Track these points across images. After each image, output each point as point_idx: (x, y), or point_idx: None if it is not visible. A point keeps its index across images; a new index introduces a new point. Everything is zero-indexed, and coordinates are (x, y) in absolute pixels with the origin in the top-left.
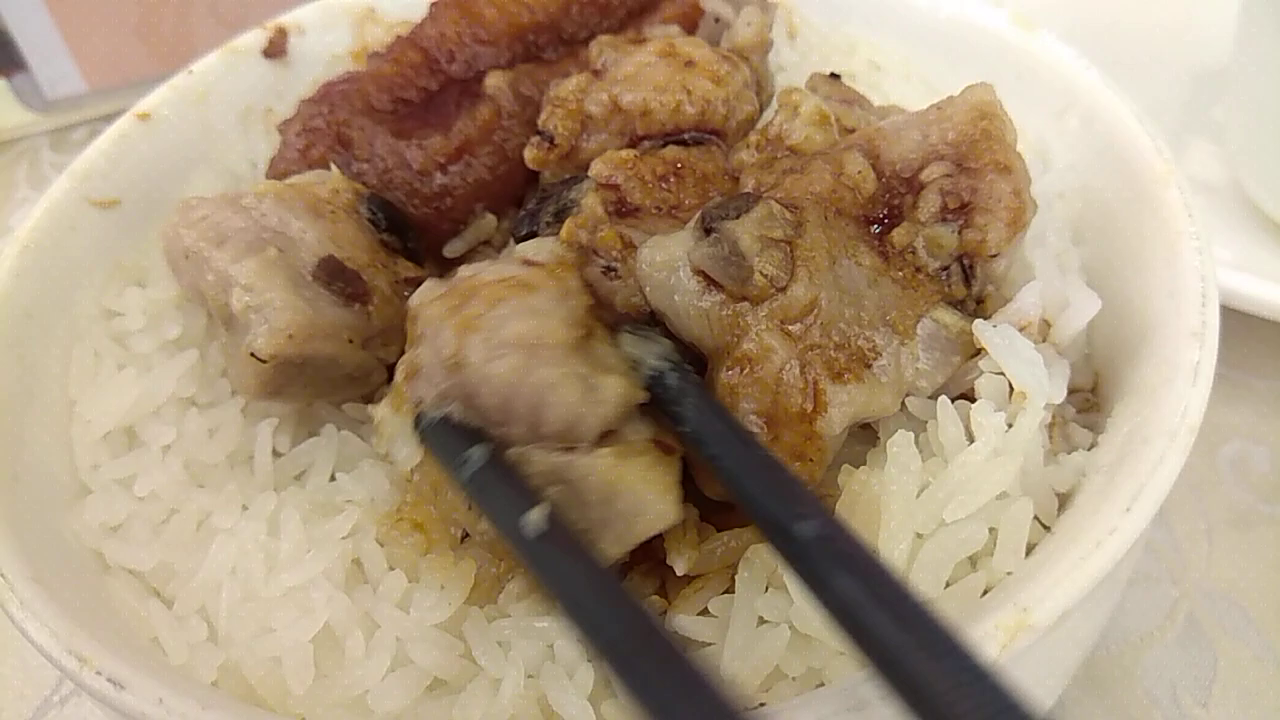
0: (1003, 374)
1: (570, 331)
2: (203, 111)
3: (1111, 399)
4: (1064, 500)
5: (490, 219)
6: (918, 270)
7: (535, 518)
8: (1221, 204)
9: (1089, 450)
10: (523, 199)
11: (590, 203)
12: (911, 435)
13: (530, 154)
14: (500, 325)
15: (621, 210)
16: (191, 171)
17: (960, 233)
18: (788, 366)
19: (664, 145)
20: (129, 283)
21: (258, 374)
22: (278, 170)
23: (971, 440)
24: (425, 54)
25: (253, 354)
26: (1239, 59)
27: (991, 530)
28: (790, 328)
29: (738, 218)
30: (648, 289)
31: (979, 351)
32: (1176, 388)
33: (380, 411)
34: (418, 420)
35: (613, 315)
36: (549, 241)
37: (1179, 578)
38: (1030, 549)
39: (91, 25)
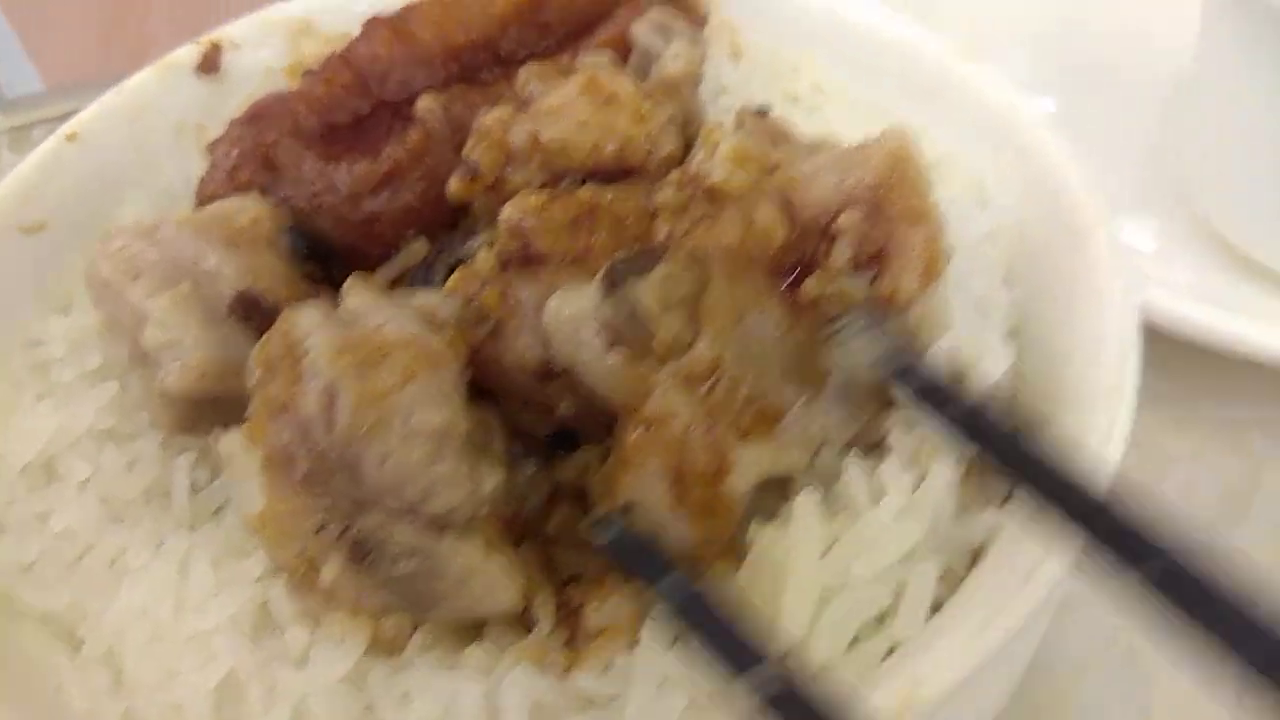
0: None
1: (466, 420)
2: (135, 130)
3: None
4: (979, 555)
5: (422, 244)
6: (830, 322)
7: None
8: (1187, 226)
9: (1003, 505)
10: (456, 223)
11: (483, 257)
12: (816, 495)
13: (454, 185)
14: (413, 409)
15: (526, 259)
16: (124, 192)
17: (872, 283)
18: (692, 427)
19: (583, 183)
20: (53, 309)
21: (169, 411)
22: (205, 193)
23: (881, 496)
24: (357, 74)
25: (162, 393)
26: (1196, 78)
27: (898, 590)
28: (695, 388)
29: (640, 275)
30: (555, 343)
31: (892, 403)
32: (1089, 452)
33: (228, 445)
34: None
35: (501, 378)
36: (450, 300)
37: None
38: (938, 605)
39: (49, 25)
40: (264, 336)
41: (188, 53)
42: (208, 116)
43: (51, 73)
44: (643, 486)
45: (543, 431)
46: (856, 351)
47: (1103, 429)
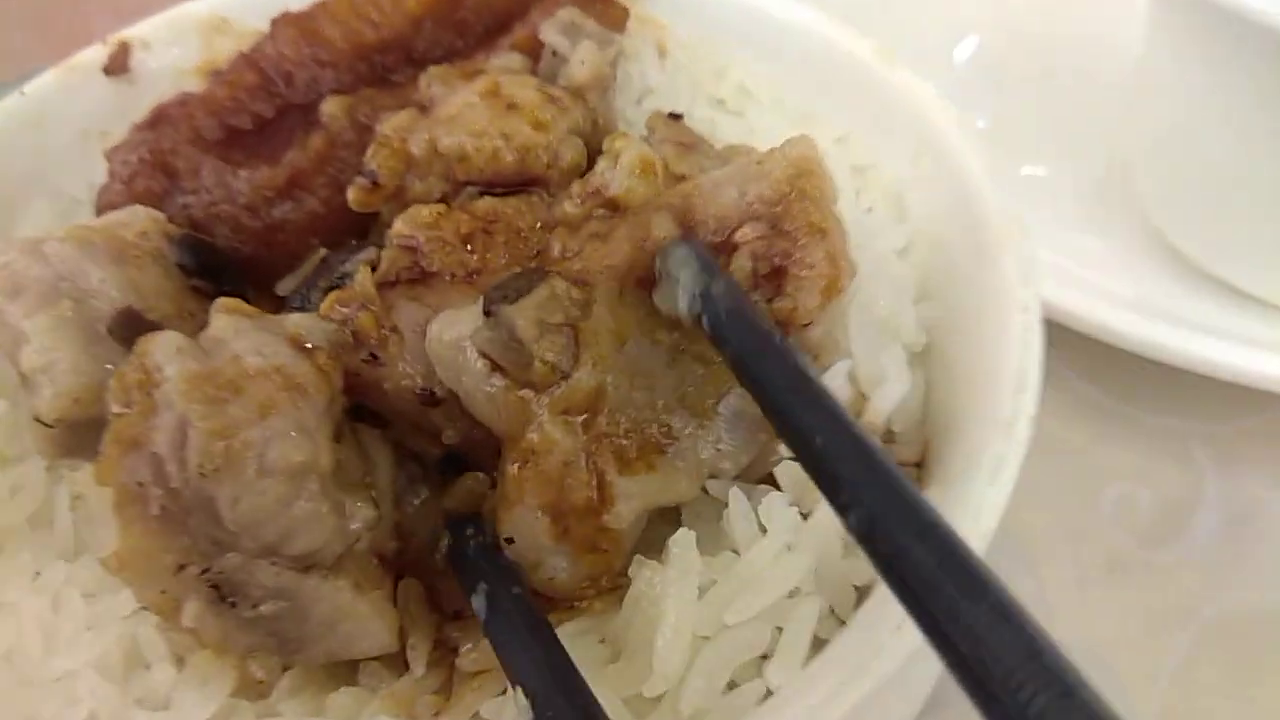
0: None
1: (333, 454)
2: (38, 135)
3: (930, 480)
4: (864, 593)
5: (324, 254)
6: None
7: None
8: (1142, 238)
9: None
10: (366, 231)
11: (361, 277)
12: (693, 535)
13: (353, 194)
14: (267, 446)
15: (414, 277)
16: (25, 203)
17: (771, 301)
18: (571, 459)
19: (482, 194)
20: None
21: (46, 437)
22: (103, 202)
23: (764, 532)
24: (262, 75)
25: (37, 418)
26: (1143, 84)
27: (777, 629)
28: (573, 418)
29: (517, 300)
30: (438, 367)
31: None
32: (974, 486)
33: (81, 481)
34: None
35: (381, 403)
36: (322, 322)
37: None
38: (822, 644)
39: None
40: (119, 367)
41: (95, 53)
42: (115, 121)
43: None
44: (523, 521)
45: (434, 455)
46: (675, 286)
47: (989, 465)
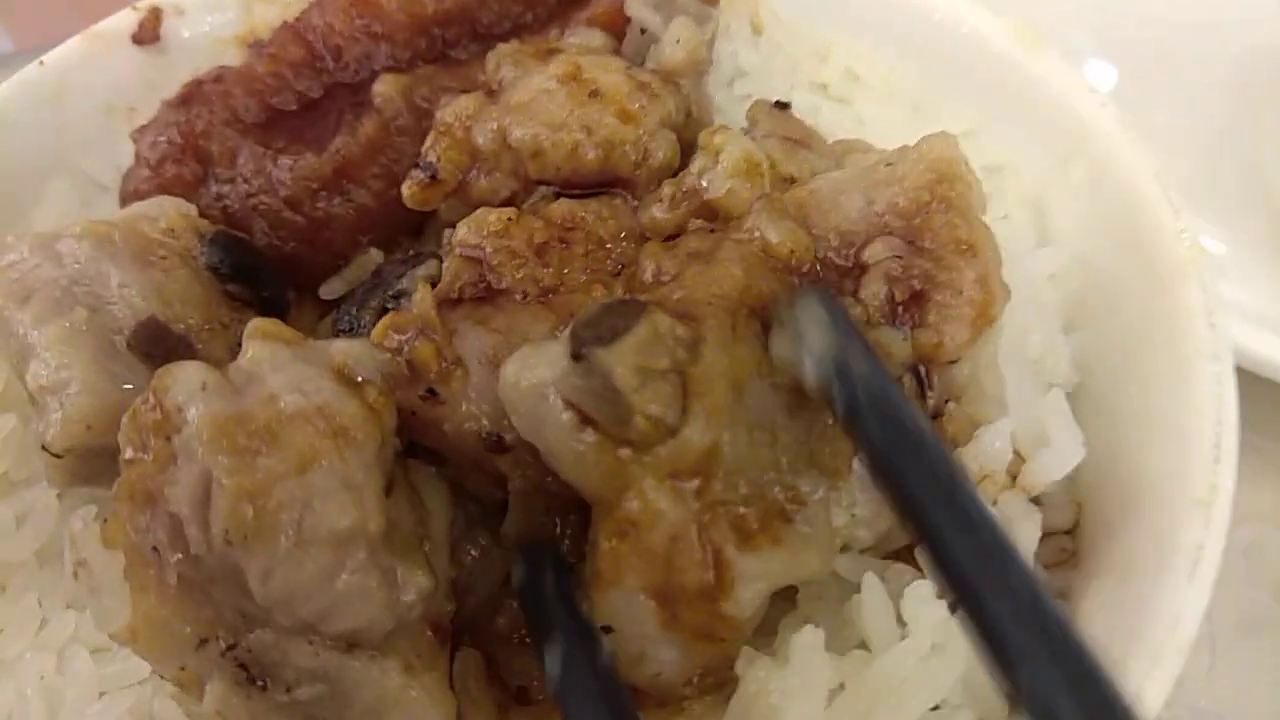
0: None
1: (384, 513)
2: (58, 111)
3: (1093, 556)
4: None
5: (377, 256)
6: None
7: None
8: (1260, 236)
9: None
10: (421, 230)
11: (420, 297)
12: (820, 634)
13: (409, 190)
14: (306, 509)
15: (481, 294)
16: (44, 184)
17: (912, 333)
18: (682, 533)
19: (558, 196)
20: None
21: (56, 467)
22: (129, 189)
23: (904, 628)
24: (309, 49)
25: (44, 447)
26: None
27: None
28: (683, 483)
29: (612, 342)
30: (514, 416)
31: None
32: (1168, 584)
33: (86, 543)
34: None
35: (439, 442)
36: (373, 350)
37: (1171, 699)
38: None
39: None
40: (135, 403)
41: (123, 19)
42: (143, 96)
43: (21, 34)
44: (623, 606)
45: (496, 498)
46: (794, 340)
47: (1187, 556)
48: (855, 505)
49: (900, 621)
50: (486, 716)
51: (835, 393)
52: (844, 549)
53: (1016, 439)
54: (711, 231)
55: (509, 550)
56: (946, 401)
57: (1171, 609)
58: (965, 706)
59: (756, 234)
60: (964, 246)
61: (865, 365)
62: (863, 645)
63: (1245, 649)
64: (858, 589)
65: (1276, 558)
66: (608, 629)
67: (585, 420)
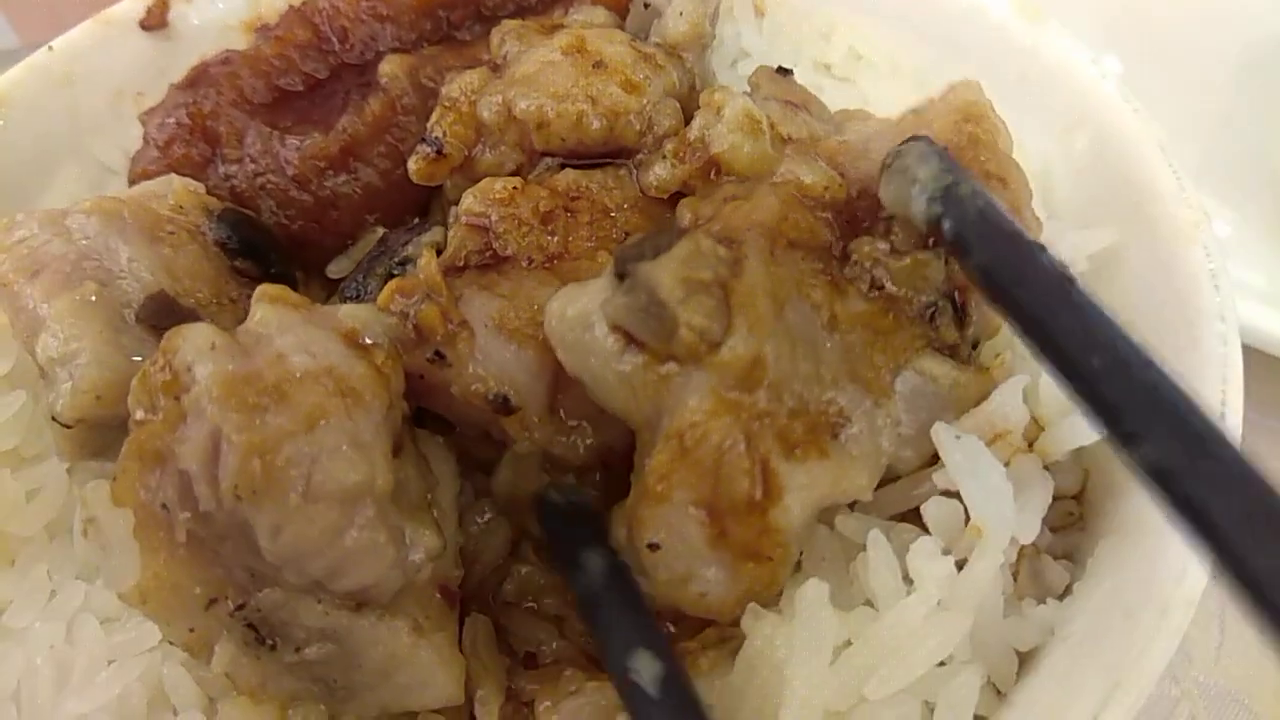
0: (956, 495)
1: (392, 472)
2: (68, 95)
3: (1099, 518)
4: (1027, 660)
5: (382, 233)
6: (894, 309)
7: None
8: (1265, 215)
9: (1062, 599)
10: (428, 209)
11: (425, 263)
12: (825, 588)
13: (414, 165)
14: (314, 465)
15: (486, 261)
16: (54, 168)
17: (948, 262)
18: (730, 444)
19: (563, 167)
20: None
21: (66, 438)
22: (138, 170)
23: (910, 585)
24: (315, 31)
25: (54, 418)
26: None
27: (927, 705)
28: (729, 393)
29: (656, 257)
30: (560, 351)
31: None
32: (1175, 538)
33: (96, 501)
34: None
35: (446, 407)
36: (380, 314)
37: (1179, 674)
38: None
39: None
40: (144, 365)
41: (131, 6)
42: (152, 81)
43: (27, 29)
44: (673, 521)
45: (494, 461)
46: (904, 184)
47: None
48: (900, 425)
49: (906, 580)
50: (496, 679)
51: (944, 219)
52: (890, 472)
53: (1041, 404)
54: None
55: (505, 514)
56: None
57: (1178, 562)
58: (973, 662)
59: (791, 176)
60: (996, 178)
61: (969, 187)
62: (869, 604)
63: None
64: (863, 549)
65: None
66: (654, 546)
67: (631, 342)
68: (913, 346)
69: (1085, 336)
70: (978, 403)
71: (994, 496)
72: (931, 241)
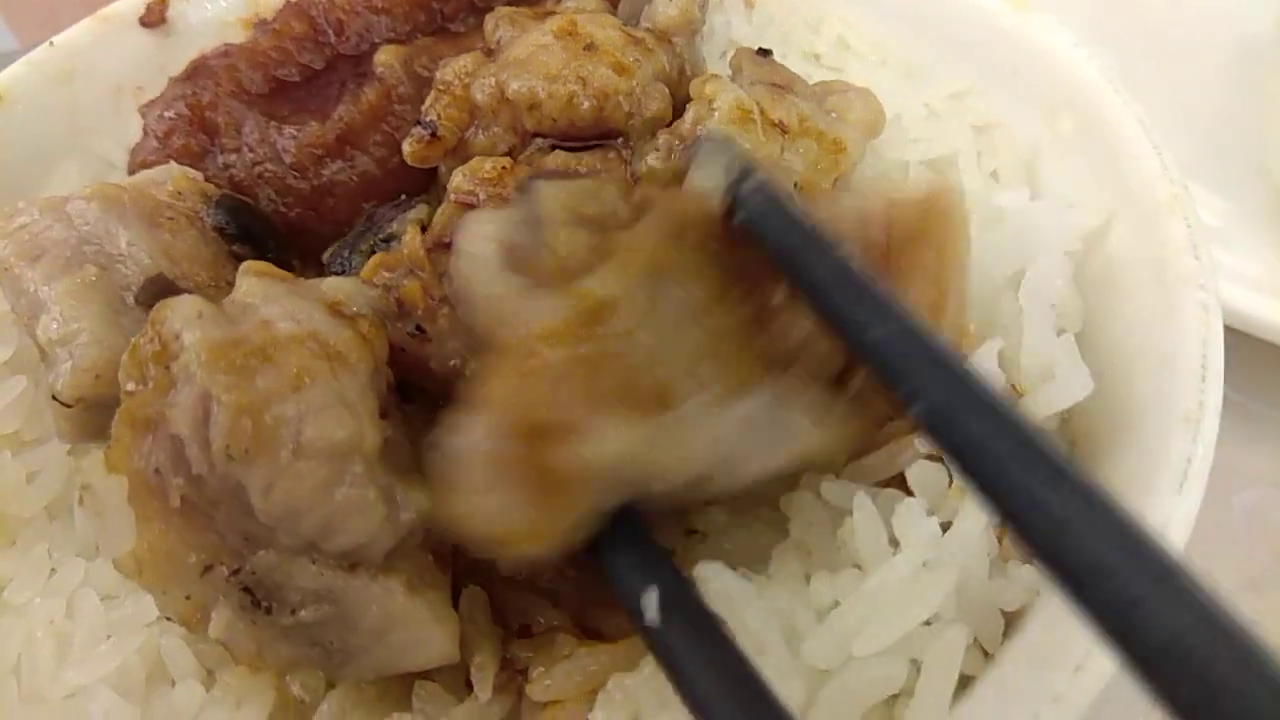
0: (940, 459)
1: (380, 431)
2: (68, 91)
3: None
4: (1013, 620)
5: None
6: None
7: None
8: (1258, 206)
9: None
10: (424, 195)
11: (409, 238)
12: (799, 548)
13: (409, 147)
14: (303, 423)
15: None
16: (54, 162)
17: None
18: (551, 371)
19: (553, 148)
20: None
21: (66, 418)
22: (138, 161)
23: (896, 548)
24: (311, 23)
25: (54, 397)
26: None
27: (914, 663)
28: (572, 327)
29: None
30: (456, 278)
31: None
32: (1157, 496)
33: (90, 469)
34: None
35: (428, 380)
36: (364, 287)
37: None
38: (967, 682)
39: None
40: (134, 339)
41: (130, 3)
42: (151, 77)
43: (25, 31)
44: (471, 430)
45: None
46: (706, 170)
47: (1175, 467)
48: (751, 429)
49: (892, 543)
50: (493, 647)
51: (736, 207)
52: (709, 499)
53: (1024, 373)
54: None
55: None
56: None
57: (1160, 517)
58: (958, 621)
59: None
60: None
61: (762, 176)
62: (857, 567)
63: (1247, 609)
64: (850, 515)
65: (1278, 519)
66: (436, 447)
67: (513, 265)
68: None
69: (862, 310)
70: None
71: None
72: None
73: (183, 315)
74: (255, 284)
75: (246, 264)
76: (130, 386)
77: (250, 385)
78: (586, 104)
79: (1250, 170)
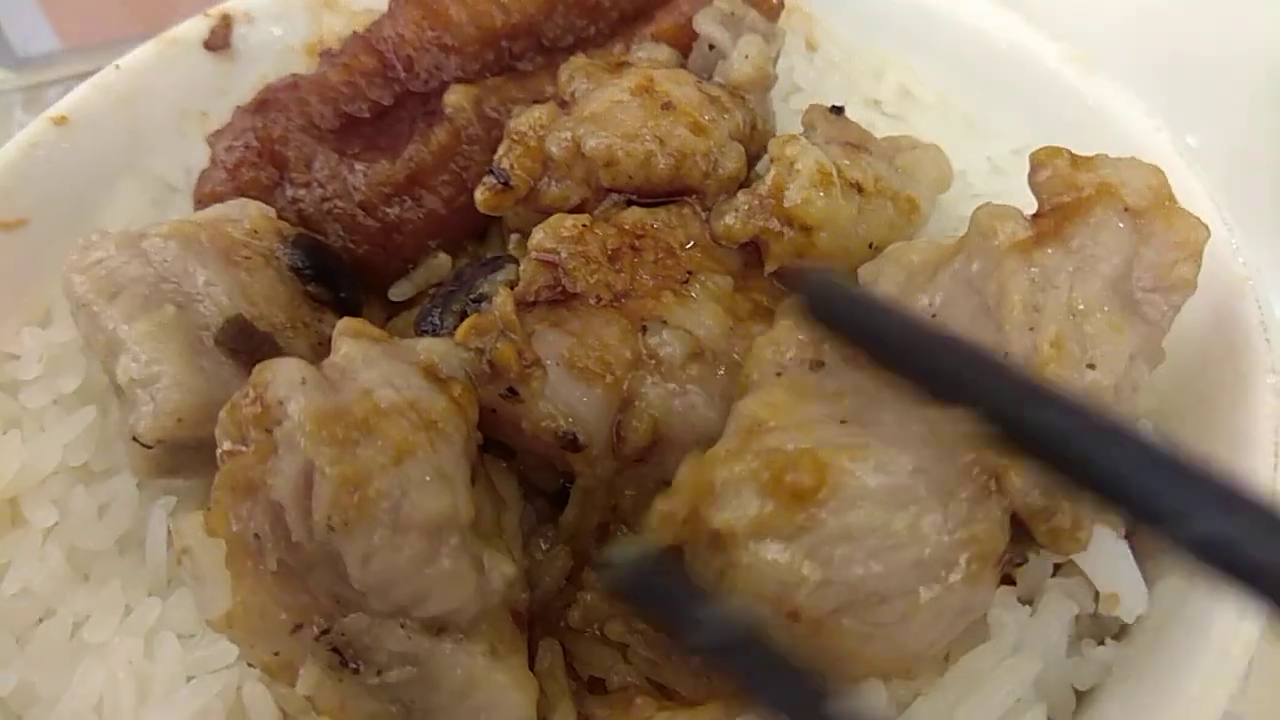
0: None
1: (473, 502)
2: (131, 113)
3: (1153, 560)
4: (1084, 699)
5: (444, 259)
6: None
7: None
8: None
9: (1118, 638)
10: (485, 233)
11: (501, 300)
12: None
13: (481, 195)
14: (403, 497)
15: (556, 297)
16: (116, 183)
17: None
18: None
19: (629, 204)
20: (29, 320)
21: (145, 458)
22: (203, 191)
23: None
24: (381, 59)
25: (134, 438)
26: None
27: None
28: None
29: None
30: None
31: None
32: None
33: (189, 532)
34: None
35: (513, 439)
36: (457, 349)
37: None
38: None
39: None
40: (233, 397)
41: (194, 26)
42: (214, 100)
43: (68, 31)
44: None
45: (551, 488)
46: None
47: None
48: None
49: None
50: (568, 703)
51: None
52: None
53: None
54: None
55: (569, 544)
56: None
57: (1229, 626)
58: (1039, 702)
59: None
60: None
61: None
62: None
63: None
64: None
65: None
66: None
67: None
68: None
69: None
70: None
71: (1120, 566)
72: None
73: (286, 380)
74: (354, 347)
75: (343, 323)
76: (228, 445)
77: (353, 457)
78: (664, 163)
79: None
